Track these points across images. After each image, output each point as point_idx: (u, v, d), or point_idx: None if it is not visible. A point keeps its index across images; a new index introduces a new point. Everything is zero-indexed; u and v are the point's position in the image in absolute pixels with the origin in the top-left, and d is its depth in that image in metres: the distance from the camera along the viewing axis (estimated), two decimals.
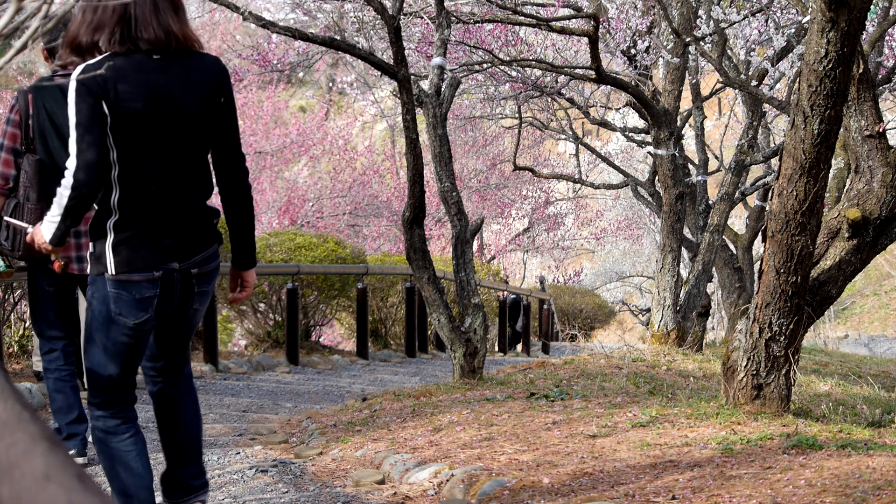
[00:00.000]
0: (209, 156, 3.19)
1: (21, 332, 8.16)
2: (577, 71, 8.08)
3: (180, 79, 3.05)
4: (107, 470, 3.24)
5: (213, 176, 3.24)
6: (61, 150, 4.33)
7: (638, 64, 8.97)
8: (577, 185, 21.70)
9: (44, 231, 3.10)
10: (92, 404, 3.21)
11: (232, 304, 3.79)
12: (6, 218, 4.45)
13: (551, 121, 12.11)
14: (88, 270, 3.17)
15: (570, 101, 10.10)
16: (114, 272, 3.05)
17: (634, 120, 19.18)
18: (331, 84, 33.37)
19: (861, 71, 5.18)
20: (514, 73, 9.10)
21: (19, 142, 4.49)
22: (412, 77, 6.55)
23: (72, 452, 4.11)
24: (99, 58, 2.99)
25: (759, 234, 6.87)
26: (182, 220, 3.09)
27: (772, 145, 11.61)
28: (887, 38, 8.15)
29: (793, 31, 8.63)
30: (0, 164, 4.47)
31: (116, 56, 2.99)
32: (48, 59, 4.67)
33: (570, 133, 11.77)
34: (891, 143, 9.78)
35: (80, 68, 2.99)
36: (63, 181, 3.01)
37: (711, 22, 8.10)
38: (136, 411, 3.28)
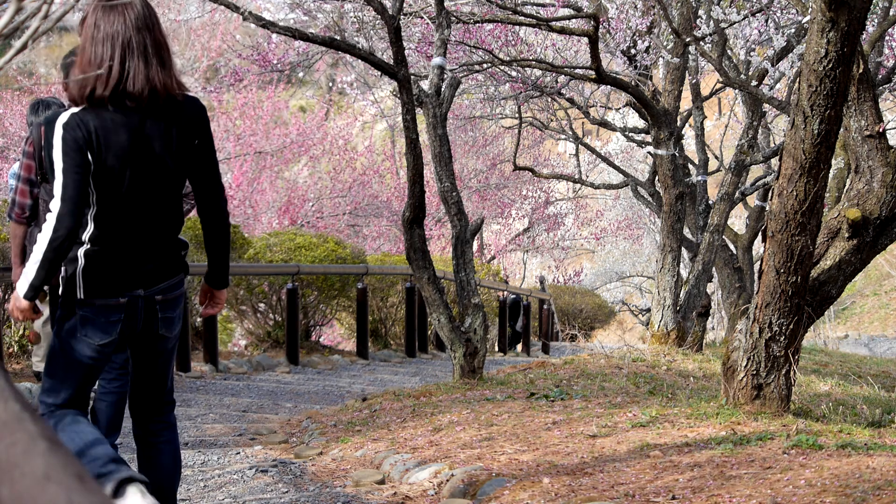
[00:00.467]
0: (182, 192, 3.43)
1: (21, 332, 8.16)
2: (577, 71, 8.08)
3: (159, 130, 3.25)
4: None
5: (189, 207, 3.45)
6: None
7: (638, 64, 8.97)
8: (577, 185, 21.70)
9: (19, 289, 3.24)
10: (43, 413, 3.31)
11: (203, 317, 3.98)
12: (29, 245, 4.56)
13: (551, 121, 12.11)
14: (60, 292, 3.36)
15: (570, 101, 10.10)
16: (82, 296, 3.26)
17: (634, 120, 19.18)
18: (331, 84, 33.37)
19: (861, 71, 5.18)
20: (514, 73, 9.10)
21: (34, 172, 4.65)
22: (412, 77, 6.55)
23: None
24: (83, 107, 3.18)
25: (759, 234, 6.87)
26: (150, 251, 3.33)
27: (772, 145, 11.61)
28: (887, 38, 8.15)
29: (793, 31, 8.63)
30: (17, 195, 4.66)
31: (102, 107, 3.18)
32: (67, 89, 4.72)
33: (570, 133, 11.77)
34: (891, 143, 9.78)
35: (64, 117, 3.19)
36: (45, 226, 3.18)
37: (711, 22, 8.10)
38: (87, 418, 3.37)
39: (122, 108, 3.20)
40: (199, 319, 10.00)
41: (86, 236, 3.28)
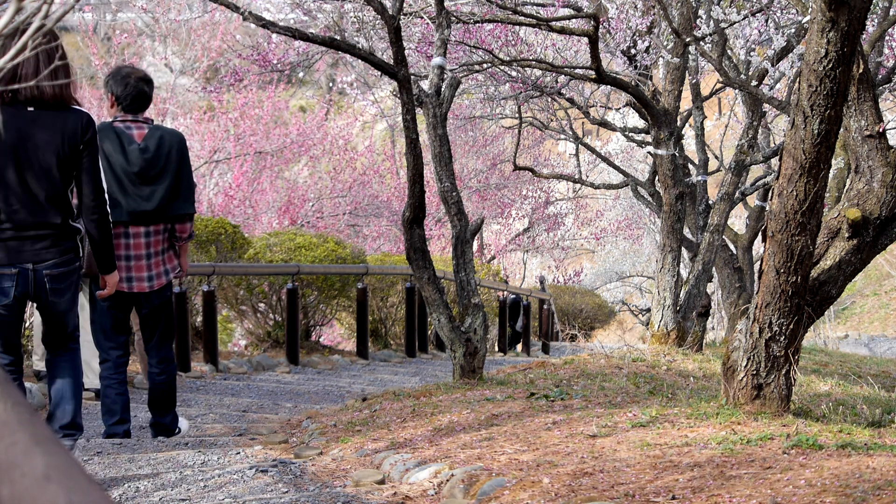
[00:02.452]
0: (71, 187, 4.21)
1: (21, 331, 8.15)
2: (577, 71, 8.08)
3: (47, 126, 4.06)
4: None
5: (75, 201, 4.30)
6: (115, 182, 5.29)
7: (638, 64, 8.97)
8: (577, 185, 21.69)
9: None
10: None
11: (100, 298, 5.41)
12: None
13: (551, 121, 12.11)
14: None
15: (570, 101, 10.10)
16: None
17: (634, 120, 19.18)
18: (331, 84, 33.37)
19: (861, 71, 5.18)
20: (514, 73, 9.10)
21: None
22: (412, 77, 6.55)
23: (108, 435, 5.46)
24: None
25: (759, 234, 6.87)
26: (40, 233, 4.14)
27: (772, 145, 11.61)
28: (887, 38, 8.15)
29: (793, 31, 8.63)
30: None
31: (2, 104, 4.03)
32: (113, 106, 5.55)
33: (570, 133, 11.77)
34: (891, 143, 9.78)
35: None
36: None
37: (711, 22, 8.10)
38: (18, 372, 4.48)
39: (17, 105, 4.17)
40: (199, 319, 10.01)
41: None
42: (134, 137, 5.45)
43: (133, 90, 5.47)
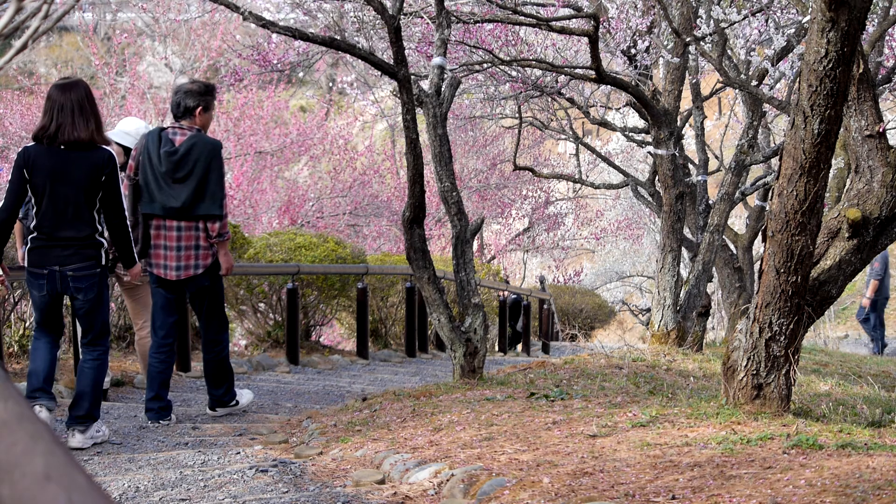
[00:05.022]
0: (96, 208, 5.32)
1: (21, 332, 8.16)
2: (577, 71, 8.08)
3: (75, 162, 5.20)
4: (30, 355, 5.54)
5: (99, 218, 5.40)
6: (152, 179, 6.18)
7: (638, 64, 8.97)
8: (577, 185, 21.70)
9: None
10: (33, 333, 5.54)
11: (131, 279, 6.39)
12: None
13: (551, 121, 12.10)
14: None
15: (570, 100, 10.09)
16: (26, 265, 5.37)
17: (634, 120, 19.17)
18: (331, 84, 33.36)
19: (861, 71, 5.18)
20: (514, 73, 9.10)
21: (133, 171, 6.30)
22: (412, 77, 6.55)
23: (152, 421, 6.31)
24: (31, 144, 5.27)
25: (759, 234, 6.87)
26: (68, 243, 5.27)
27: (772, 145, 11.60)
28: (887, 38, 8.15)
29: (793, 31, 8.62)
30: (122, 188, 6.04)
31: (40, 144, 5.22)
32: (201, 115, 6.38)
33: (570, 133, 11.76)
34: (891, 143, 9.78)
35: (23, 147, 5.31)
36: None
37: (711, 22, 8.09)
38: (55, 336, 5.50)
39: (54, 146, 5.30)
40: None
41: (32, 226, 5.38)
42: (174, 142, 6.24)
43: (175, 101, 6.32)
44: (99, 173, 5.23)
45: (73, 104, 5.18)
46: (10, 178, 5.24)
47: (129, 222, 5.93)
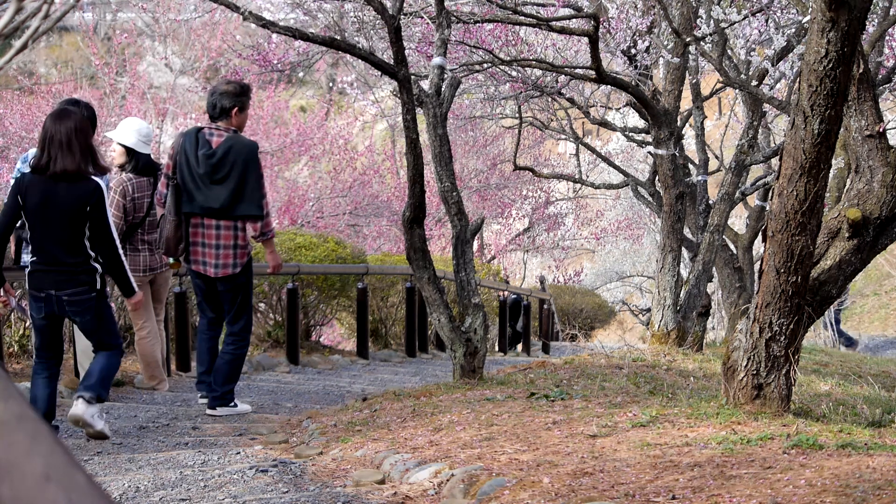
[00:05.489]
0: (86, 237, 5.47)
1: (21, 332, 8.16)
2: (578, 71, 8.08)
3: (63, 192, 5.38)
4: (32, 383, 5.75)
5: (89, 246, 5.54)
6: (190, 180, 6.35)
7: (638, 64, 8.96)
8: (578, 185, 21.69)
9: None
10: (34, 361, 5.72)
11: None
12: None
13: (551, 121, 12.10)
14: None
15: (571, 100, 10.09)
16: (28, 287, 5.61)
17: (634, 120, 19.17)
18: (331, 84, 33.35)
19: (861, 71, 5.18)
20: (514, 73, 9.09)
21: (171, 170, 6.44)
22: (412, 77, 6.55)
23: (201, 395, 6.89)
24: (27, 172, 5.49)
25: (759, 234, 6.86)
26: (60, 269, 5.46)
27: (772, 145, 11.60)
28: (887, 38, 8.14)
29: (793, 31, 8.62)
30: (160, 186, 6.51)
31: (35, 174, 5.42)
32: (237, 116, 6.53)
33: (571, 133, 11.76)
34: (891, 143, 9.77)
35: (14, 180, 5.69)
36: None
37: (711, 22, 8.09)
38: (53, 366, 5.67)
39: (46, 176, 5.39)
40: (198, 319, 10.00)
41: (29, 252, 5.71)
42: (212, 143, 6.37)
43: (211, 102, 6.46)
44: (84, 203, 5.39)
45: (62, 136, 5.33)
46: (6, 201, 5.55)
47: (171, 222, 6.42)
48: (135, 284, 5.78)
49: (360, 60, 7.77)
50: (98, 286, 5.56)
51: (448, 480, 3.92)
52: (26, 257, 6.31)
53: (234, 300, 6.62)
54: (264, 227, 6.48)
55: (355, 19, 8.86)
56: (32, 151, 6.33)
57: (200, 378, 6.85)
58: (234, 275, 6.51)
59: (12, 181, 6.19)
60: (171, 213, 6.40)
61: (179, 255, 6.47)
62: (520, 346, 16.38)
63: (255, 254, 11.19)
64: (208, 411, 6.70)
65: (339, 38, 7.16)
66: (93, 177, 5.47)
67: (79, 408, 5.47)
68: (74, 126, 5.39)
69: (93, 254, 5.52)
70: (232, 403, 6.75)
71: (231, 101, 6.42)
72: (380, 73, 7.34)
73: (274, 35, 8.97)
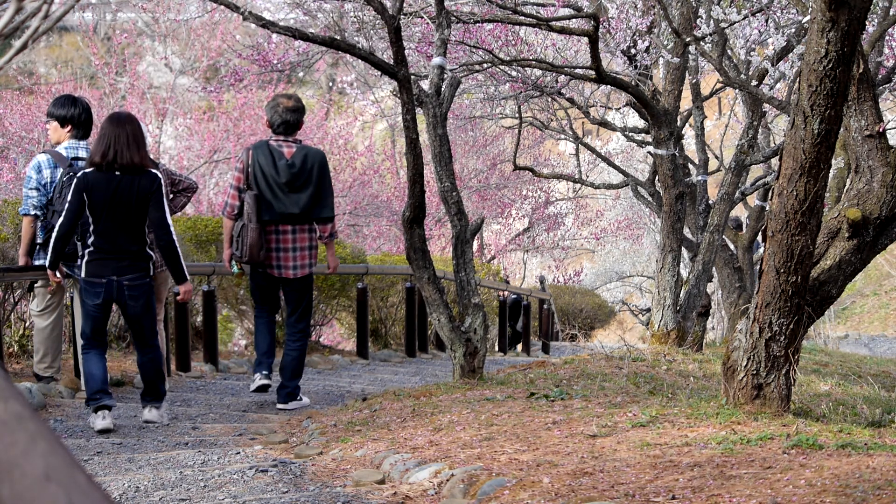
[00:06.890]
0: (146, 224, 5.98)
1: (21, 332, 8.15)
2: (577, 71, 8.08)
3: (128, 185, 5.90)
4: (83, 364, 6.19)
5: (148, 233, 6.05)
6: (267, 189, 6.79)
7: (638, 64, 8.96)
8: (577, 185, 21.68)
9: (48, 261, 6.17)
10: (82, 344, 6.15)
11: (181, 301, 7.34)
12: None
13: (551, 121, 12.10)
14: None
15: (570, 100, 10.09)
16: (84, 276, 5.99)
17: (634, 120, 19.17)
18: (331, 84, 33.35)
19: (861, 71, 5.18)
20: (514, 73, 9.09)
21: (242, 182, 6.87)
22: (412, 77, 6.55)
23: (259, 376, 7.08)
24: (88, 171, 5.95)
25: (759, 234, 6.86)
26: (122, 255, 5.94)
27: (772, 145, 11.60)
28: (887, 38, 8.14)
29: (793, 31, 8.62)
30: (229, 198, 6.91)
31: (97, 169, 5.92)
32: (297, 128, 6.99)
33: (570, 133, 11.76)
34: (891, 143, 9.77)
35: (81, 172, 6.02)
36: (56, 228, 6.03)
37: (711, 22, 8.09)
38: (102, 347, 6.08)
39: (109, 171, 5.94)
40: (198, 319, 10.00)
41: (89, 241, 6.00)
42: (284, 154, 6.82)
43: (280, 119, 6.86)
44: (148, 193, 5.93)
45: (128, 135, 5.91)
46: (69, 199, 5.93)
47: (254, 230, 6.76)
48: (186, 272, 6.23)
49: (359, 60, 7.78)
50: (151, 272, 6.07)
51: (448, 480, 3.93)
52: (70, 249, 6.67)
53: (300, 300, 7.05)
54: (332, 227, 6.96)
55: (355, 19, 8.86)
56: (44, 159, 6.68)
57: (260, 359, 7.14)
58: (307, 275, 6.98)
59: (31, 191, 6.70)
60: (252, 222, 6.75)
61: (261, 260, 6.83)
62: (520, 346, 16.37)
63: None
64: (279, 406, 7.00)
65: (338, 38, 7.16)
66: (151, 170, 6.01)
67: (153, 414, 6.21)
68: (135, 126, 5.98)
69: (149, 240, 6.01)
70: (299, 397, 7.09)
71: (296, 116, 6.89)
72: (380, 73, 7.34)
73: (274, 35, 8.97)
